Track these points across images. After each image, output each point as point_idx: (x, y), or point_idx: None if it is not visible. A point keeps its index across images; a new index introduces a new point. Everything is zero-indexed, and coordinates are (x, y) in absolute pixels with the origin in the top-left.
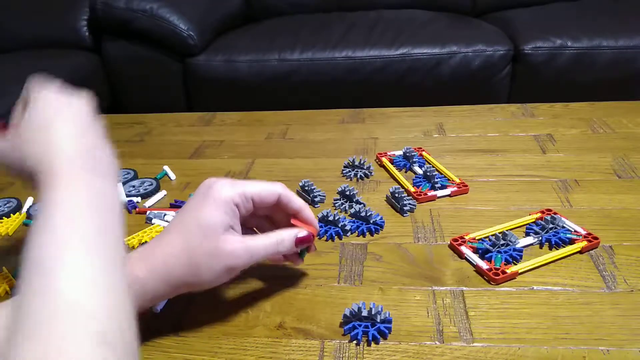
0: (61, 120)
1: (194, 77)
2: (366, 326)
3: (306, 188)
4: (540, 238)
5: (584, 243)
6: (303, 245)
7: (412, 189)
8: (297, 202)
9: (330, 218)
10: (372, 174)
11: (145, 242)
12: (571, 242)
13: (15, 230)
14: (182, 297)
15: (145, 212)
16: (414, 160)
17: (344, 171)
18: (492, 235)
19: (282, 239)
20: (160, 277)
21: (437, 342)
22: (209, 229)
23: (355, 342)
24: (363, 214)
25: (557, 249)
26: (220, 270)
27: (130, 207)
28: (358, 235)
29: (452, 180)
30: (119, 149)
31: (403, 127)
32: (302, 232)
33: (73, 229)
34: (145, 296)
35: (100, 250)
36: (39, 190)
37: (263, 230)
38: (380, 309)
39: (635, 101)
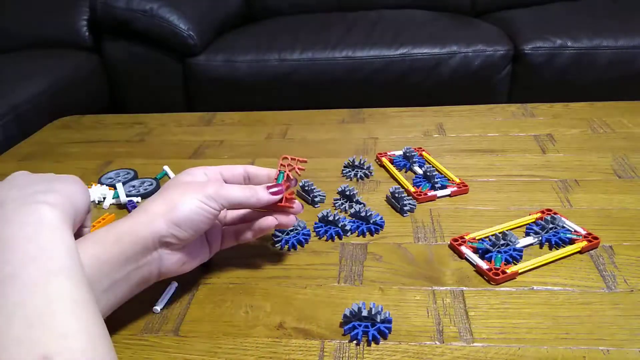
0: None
1: (194, 77)
2: (366, 326)
3: (306, 188)
4: (540, 238)
5: (584, 243)
6: (277, 194)
7: (412, 189)
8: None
9: (330, 218)
10: (372, 174)
11: None
12: (571, 242)
13: None
14: (182, 297)
15: None
16: (414, 160)
17: (344, 171)
18: (492, 235)
19: (255, 190)
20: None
21: (437, 342)
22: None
23: (355, 342)
24: (363, 214)
25: (557, 249)
26: (196, 205)
27: (130, 207)
28: (358, 235)
29: (452, 180)
30: (119, 148)
31: (403, 127)
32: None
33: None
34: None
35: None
36: None
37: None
38: (380, 309)
39: (635, 101)
